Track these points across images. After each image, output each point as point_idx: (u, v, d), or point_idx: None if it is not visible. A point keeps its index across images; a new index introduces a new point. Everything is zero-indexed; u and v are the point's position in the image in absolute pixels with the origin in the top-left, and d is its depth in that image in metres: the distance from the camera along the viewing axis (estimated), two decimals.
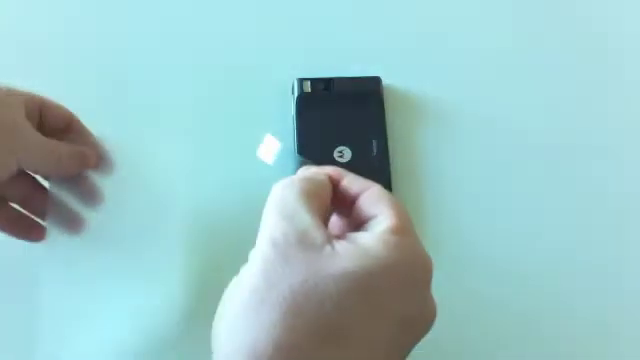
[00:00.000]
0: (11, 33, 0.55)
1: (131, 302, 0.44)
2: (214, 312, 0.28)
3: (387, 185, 0.47)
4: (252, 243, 0.46)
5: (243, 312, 0.22)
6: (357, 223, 0.26)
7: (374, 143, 0.49)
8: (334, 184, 0.28)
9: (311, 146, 0.48)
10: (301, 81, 0.51)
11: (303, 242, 0.23)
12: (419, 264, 0.25)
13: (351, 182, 0.28)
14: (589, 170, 0.51)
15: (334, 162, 0.48)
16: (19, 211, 0.40)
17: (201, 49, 0.54)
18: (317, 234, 0.24)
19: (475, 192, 0.50)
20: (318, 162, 0.48)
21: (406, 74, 0.54)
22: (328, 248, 0.23)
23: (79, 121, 0.41)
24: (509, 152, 0.51)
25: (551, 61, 0.56)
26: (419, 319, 0.25)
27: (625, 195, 0.50)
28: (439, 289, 0.47)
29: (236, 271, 0.46)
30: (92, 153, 0.40)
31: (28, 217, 0.40)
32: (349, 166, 0.48)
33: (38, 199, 0.39)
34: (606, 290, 0.47)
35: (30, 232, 0.40)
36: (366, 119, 0.50)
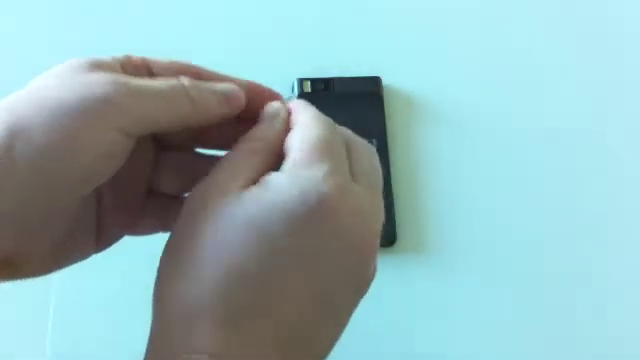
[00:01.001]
0: (11, 33, 0.55)
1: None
2: None
3: (387, 185, 0.47)
4: None
5: (180, 265, 0.23)
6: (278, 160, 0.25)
7: (374, 143, 0.49)
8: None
9: None
10: (301, 81, 0.51)
11: (227, 189, 0.23)
12: (313, 201, 0.22)
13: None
14: (589, 170, 0.51)
15: None
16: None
17: (201, 49, 0.54)
18: (232, 184, 0.23)
19: (475, 191, 0.50)
20: None
21: (406, 74, 0.54)
22: (240, 194, 0.23)
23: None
24: (509, 152, 0.51)
25: (551, 61, 0.56)
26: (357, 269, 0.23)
27: (625, 195, 0.50)
28: (439, 289, 0.47)
29: None
30: (235, 87, 0.29)
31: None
32: None
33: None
34: (606, 288, 0.47)
35: None
36: (366, 119, 0.50)
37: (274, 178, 0.23)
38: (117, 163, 0.24)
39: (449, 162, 0.51)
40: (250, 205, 0.22)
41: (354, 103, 0.50)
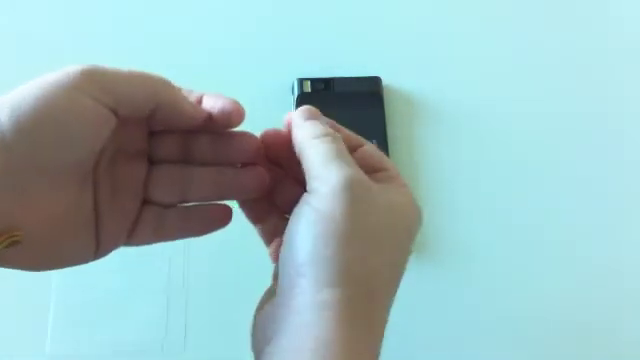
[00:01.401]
0: (12, 34, 0.55)
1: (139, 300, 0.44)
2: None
3: None
4: (250, 240, 0.46)
5: (335, 242, 0.26)
6: (362, 170, 0.30)
7: (374, 143, 0.49)
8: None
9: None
10: (301, 81, 0.51)
11: (368, 187, 0.28)
12: (420, 212, 0.30)
13: (349, 135, 0.33)
14: (588, 169, 0.51)
15: None
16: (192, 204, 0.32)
17: (201, 49, 0.55)
18: (372, 182, 0.28)
19: (474, 191, 0.50)
20: None
21: (406, 74, 0.54)
22: (380, 194, 0.28)
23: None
24: (509, 152, 0.51)
25: (550, 62, 0.56)
26: (409, 254, 0.30)
27: (624, 194, 0.50)
28: (439, 287, 0.47)
29: (236, 277, 0.46)
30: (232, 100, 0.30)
31: (205, 205, 0.32)
32: None
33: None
34: (606, 287, 0.47)
35: (215, 219, 0.32)
36: (366, 119, 0.50)
37: (393, 187, 0.30)
38: (98, 132, 0.26)
39: (449, 162, 0.51)
40: (387, 198, 0.28)
41: (354, 103, 0.50)
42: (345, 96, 0.51)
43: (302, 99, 0.50)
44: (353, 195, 0.27)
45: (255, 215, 0.32)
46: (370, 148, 0.32)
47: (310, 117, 0.32)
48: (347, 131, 0.33)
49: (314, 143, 0.29)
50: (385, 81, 0.52)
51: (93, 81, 0.26)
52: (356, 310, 0.25)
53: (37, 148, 0.25)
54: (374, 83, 0.52)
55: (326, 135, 0.30)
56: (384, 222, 0.28)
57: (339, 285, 0.25)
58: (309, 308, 0.25)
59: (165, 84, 0.29)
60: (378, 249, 0.27)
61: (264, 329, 0.27)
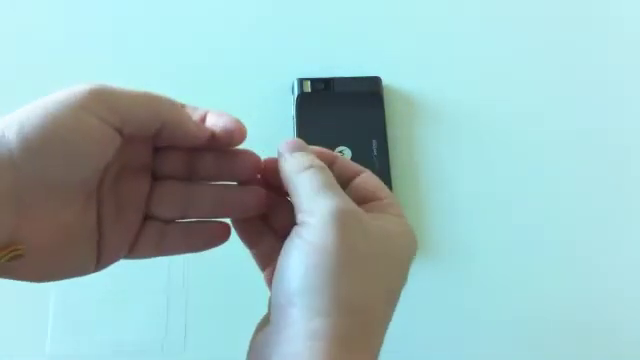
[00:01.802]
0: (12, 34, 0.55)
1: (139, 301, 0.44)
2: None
3: (387, 185, 0.47)
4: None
5: (327, 272, 0.26)
6: (355, 199, 0.30)
7: (374, 143, 0.49)
8: (328, 164, 0.31)
9: (311, 146, 0.48)
10: (301, 81, 0.51)
11: (358, 217, 0.28)
12: (415, 241, 0.31)
13: (345, 164, 0.32)
14: (588, 169, 0.51)
15: None
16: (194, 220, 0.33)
17: (201, 49, 0.55)
18: (362, 211, 0.28)
19: (474, 191, 0.50)
20: None
21: (406, 74, 0.54)
22: (371, 223, 0.28)
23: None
24: (509, 151, 0.51)
25: (550, 62, 0.56)
26: (404, 282, 0.30)
27: (624, 194, 0.50)
28: (439, 287, 0.47)
29: (236, 277, 0.46)
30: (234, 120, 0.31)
31: (205, 221, 0.33)
32: None
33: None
34: (606, 287, 0.47)
35: (214, 235, 0.33)
36: (366, 119, 0.50)
37: (387, 217, 0.30)
38: (103, 151, 0.27)
39: (449, 162, 0.51)
40: (380, 230, 0.28)
41: (354, 103, 0.50)
42: (345, 96, 0.51)
43: (302, 99, 0.51)
44: (343, 225, 0.27)
45: (249, 237, 0.33)
46: (366, 176, 0.32)
47: (296, 149, 0.31)
48: (343, 159, 0.33)
49: (300, 176, 0.29)
50: (385, 81, 0.52)
51: (99, 101, 0.27)
52: (348, 340, 0.25)
53: (44, 166, 0.26)
54: (374, 83, 0.52)
55: (311, 167, 0.29)
56: (377, 252, 0.28)
57: (331, 315, 0.25)
58: (300, 338, 0.25)
59: (170, 104, 0.29)
60: (371, 279, 0.27)
61: (258, 355, 0.27)
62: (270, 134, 0.51)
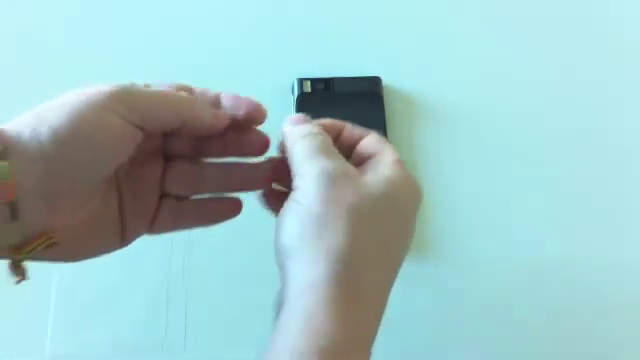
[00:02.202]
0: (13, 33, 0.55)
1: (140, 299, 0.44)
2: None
3: None
4: (251, 242, 0.46)
5: (315, 227, 0.28)
6: (358, 162, 0.33)
7: None
8: (337, 133, 0.34)
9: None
10: (301, 81, 0.51)
11: (347, 174, 0.30)
12: (417, 189, 0.32)
13: (351, 131, 0.35)
14: (588, 168, 0.51)
15: None
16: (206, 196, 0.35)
17: (201, 49, 0.55)
18: (353, 169, 0.31)
19: (474, 191, 0.50)
20: None
21: (406, 74, 0.54)
22: (362, 178, 0.30)
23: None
24: (509, 151, 0.51)
25: (550, 62, 0.56)
26: (411, 234, 0.32)
27: (625, 193, 0.50)
28: (439, 286, 0.47)
29: (236, 277, 0.46)
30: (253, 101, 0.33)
31: (216, 197, 0.35)
32: None
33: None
34: (607, 286, 0.47)
35: (227, 210, 0.35)
36: (366, 119, 0.50)
37: (386, 172, 0.31)
38: (125, 147, 0.29)
39: (449, 162, 0.51)
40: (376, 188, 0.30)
41: (354, 103, 0.50)
42: (345, 96, 0.51)
43: (302, 99, 0.51)
44: (330, 183, 0.29)
45: (275, 206, 0.33)
46: (369, 137, 0.34)
47: (298, 123, 0.34)
48: (350, 127, 0.35)
49: (296, 144, 0.32)
50: (385, 81, 0.52)
51: (121, 100, 0.29)
52: (341, 287, 0.27)
53: (71, 161, 0.28)
54: (374, 83, 0.52)
55: (309, 134, 0.32)
56: (372, 206, 0.29)
57: (321, 264, 0.27)
58: (297, 287, 0.28)
59: (189, 103, 0.31)
60: (363, 230, 0.29)
61: (275, 317, 0.29)
62: (270, 134, 0.51)
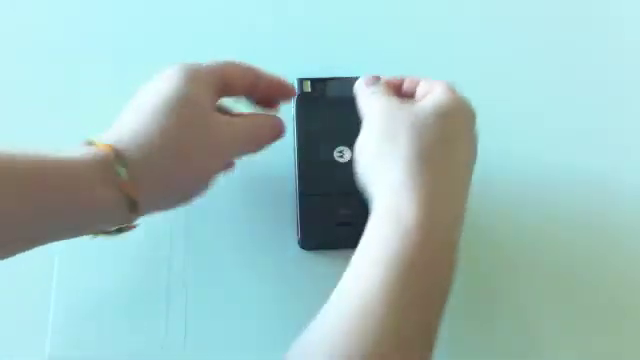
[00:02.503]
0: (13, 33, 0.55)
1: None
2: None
3: None
4: (251, 242, 0.46)
5: (386, 145, 0.37)
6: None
7: None
8: (398, 86, 0.44)
9: (311, 146, 0.48)
10: (301, 81, 0.51)
11: (403, 105, 0.39)
12: (467, 106, 0.40)
13: (411, 81, 0.44)
14: (588, 168, 0.51)
15: (334, 162, 0.48)
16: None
17: (201, 49, 0.54)
18: (409, 102, 0.40)
19: (474, 190, 0.50)
20: (318, 162, 0.48)
21: (406, 74, 0.53)
22: (416, 105, 0.39)
23: (264, 76, 0.44)
24: (508, 151, 0.51)
25: (550, 62, 0.56)
26: (472, 144, 0.40)
27: (623, 194, 0.50)
28: None
29: (236, 277, 0.46)
30: (277, 119, 0.44)
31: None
32: (349, 166, 0.48)
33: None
34: (607, 285, 0.47)
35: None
36: None
37: (433, 98, 0.40)
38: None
39: None
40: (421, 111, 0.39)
41: (354, 103, 0.50)
42: (345, 96, 0.51)
43: (302, 99, 0.50)
44: (390, 113, 0.39)
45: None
46: (423, 83, 0.43)
47: (367, 83, 0.44)
48: (409, 78, 0.44)
49: (367, 99, 0.43)
50: None
51: (225, 155, 0.41)
52: (413, 181, 0.35)
53: (184, 164, 0.37)
54: None
55: (376, 92, 0.42)
56: (427, 122, 0.37)
57: (395, 170, 0.36)
58: (380, 190, 0.36)
59: (259, 139, 0.43)
60: (425, 141, 0.36)
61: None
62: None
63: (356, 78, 0.52)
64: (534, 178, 0.51)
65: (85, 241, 0.40)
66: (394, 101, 0.40)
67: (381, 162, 0.37)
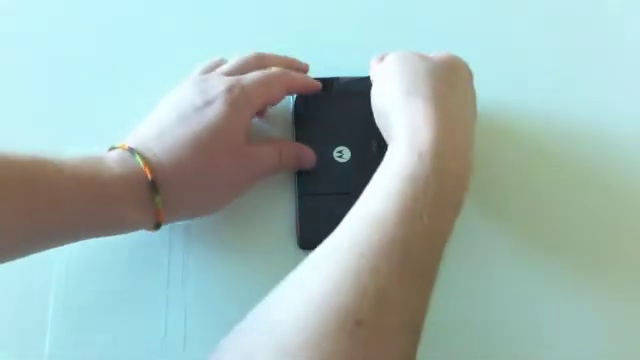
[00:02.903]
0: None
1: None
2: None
3: None
4: (251, 242, 0.46)
5: (402, 85, 0.41)
6: None
7: (373, 143, 0.49)
8: None
9: (311, 146, 0.48)
10: None
11: (413, 53, 0.44)
12: (463, 62, 0.45)
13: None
14: (588, 167, 0.51)
15: (334, 162, 0.48)
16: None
17: (201, 50, 0.54)
18: (418, 52, 0.45)
19: (474, 190, 0.50)
20: (318, 162, 0.48)
21: None
22: (428, 55, 0.44)
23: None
24: (508, 151, 0.51)
25: (551, 62, 0.56)
26: (475, 106, 0.44)
27: (623, 193, 0.50)
28: (439, 286, 0.47)
29: (236, 277, 0.46)
30: (304, 150, 0.48)
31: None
32: (349, 166, 0.48)
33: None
34: (606, 285, 0.47)
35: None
36: (366, 119, 0.50)
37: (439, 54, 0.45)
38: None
39: None
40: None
41: (354, 103, 0.50)
42: (345, 96, 0.51)
43: (302, 99, 0.51)
44: (404, 58, 0.44)
45: None
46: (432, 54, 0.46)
47: (377, 60, 0.48)
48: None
49: (378, 67, 0.47)
50: None
51: (253, 179, 0.45)
52: (427, 106, 0.38)
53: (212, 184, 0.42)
54: None
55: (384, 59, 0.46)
56: (435, 67, 0.42)
57: (410, 102, 0.39)
58: (397, 122, 0.39)
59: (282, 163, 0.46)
60: (435, 83, 0.40)
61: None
62: (270, 134, 0.51)
63: (356, 78, 0.52)
64: (533, 177, 0.51)
65: (84, 242, 0.40)
66: (407, 52, 0.44)
67: (400, 101, 0.40)
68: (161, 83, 0.45)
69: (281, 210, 0.47)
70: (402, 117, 0.39)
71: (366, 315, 0.29)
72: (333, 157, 0.48)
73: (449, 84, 0.41)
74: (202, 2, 0.58)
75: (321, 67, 0.52)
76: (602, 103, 0.54)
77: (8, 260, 0.36)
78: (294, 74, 0.47)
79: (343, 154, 0.49)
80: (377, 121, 0.44)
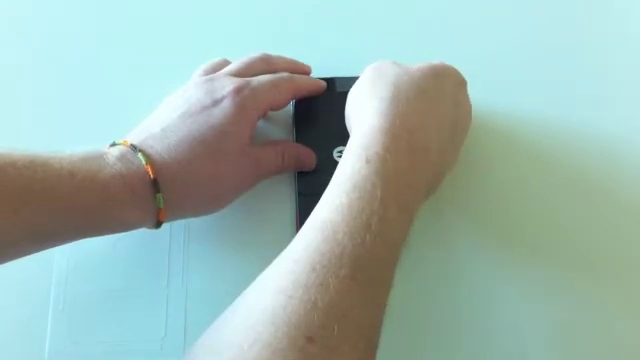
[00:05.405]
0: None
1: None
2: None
3: None
4: (251, 242, 0.46)
5: (368, 92, 0.40)
6: None
7: None
8: None
9: (311, 146, 0.48)
10: None
11: (393, 64, 0.42)
12: (454, 71, 0.44)
13: None
14: (588, 167, 0.51)
15: (334, 162, 0.48)
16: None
17: (201, 50, 0.55)
18: (397, 62, 0.42)
19: (474, 191, 0.50)
20: (318, 162, 0.48)
21: None
22: (406, 66, 0.42)
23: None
24: (508, 151, 0.51)
25: (551, 62, 0.56)
26: (463, 114, 0.44)
27: (623, 193, 0.50)
28: (442, 287, 0.47)
29: (236, 277, 0.46)
30: (306, 151, 0.48)
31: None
32: None
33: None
34: (606, 285, 0.47)
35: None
36: None
37: (422, 64, 0.42)
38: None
39: None
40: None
41: None
42: (345, 96, 0.51)
43: (302, 99, 0.51)
44: (377, 69, 0.42)
45: None
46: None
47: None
48: None
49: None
50: None
51: (256, 181, 0.45)
52: (383, 118, 0.37)
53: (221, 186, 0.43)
54: None
55: None
56: (411, 81, 0.40)
57: (370, 109, 0.38)
58: (356, 125, 0.39)
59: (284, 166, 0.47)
60: (403, 96, 0.38)
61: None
62: (270, 134, 0.51)
63: (356, 78, 0.52)
64: (533, 176, 0.51)
65: (84, 241, 0.40)
66: (387, 61, 0.42)
67: (359, 104, 0.39)
68: (163, 83, 0.45)
69: (281, 210, 0.47)
70: (356, 119, 0.39)
71: (317, 331, 0.28)
72: (333, 157, 0.48)
73: (421, 89, 0.39)
74: (203, 2, 0.58)
75: (321, 67, 0.52)
76: (599, 107, 0.54)
77: (8, 260, 0.36)
78: (301, 79, 0.48)
79: (343, 154, 0.49)
80: (346, 122, 0.43)
